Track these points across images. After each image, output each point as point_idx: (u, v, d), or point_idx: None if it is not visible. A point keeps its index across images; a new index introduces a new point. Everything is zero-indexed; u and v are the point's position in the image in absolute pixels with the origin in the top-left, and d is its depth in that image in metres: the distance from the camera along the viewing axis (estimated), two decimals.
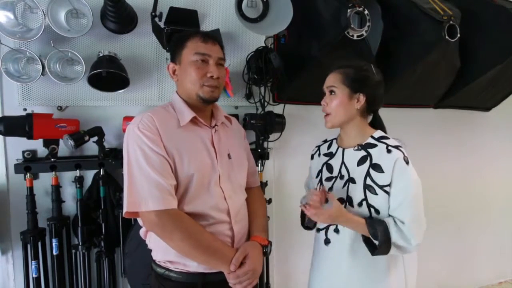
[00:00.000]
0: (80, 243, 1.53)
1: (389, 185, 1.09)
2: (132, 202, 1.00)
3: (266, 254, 1.15)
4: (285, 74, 1.73)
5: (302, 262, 2.06)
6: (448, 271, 2.68)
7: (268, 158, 1.90)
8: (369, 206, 1.12)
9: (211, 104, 1.17)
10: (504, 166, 2.85)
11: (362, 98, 1.14)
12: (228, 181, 1.13)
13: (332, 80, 1.18)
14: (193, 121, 1.11)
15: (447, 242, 2.60)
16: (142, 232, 1.16)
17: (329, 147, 1.30)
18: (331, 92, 1.17)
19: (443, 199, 2.53)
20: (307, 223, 1.32)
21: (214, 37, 1.14)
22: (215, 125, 1.17)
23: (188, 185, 1.05)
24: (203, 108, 1.15)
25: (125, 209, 1.01)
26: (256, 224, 1.21)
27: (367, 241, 1.12)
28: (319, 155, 1.33)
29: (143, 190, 0.99)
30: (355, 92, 1.14)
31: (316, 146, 1.37)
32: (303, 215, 1.33)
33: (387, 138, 1.16)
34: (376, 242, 1.08)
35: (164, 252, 1.08)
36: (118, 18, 1.49)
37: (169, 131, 1.06)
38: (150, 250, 1.15)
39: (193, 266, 1.06)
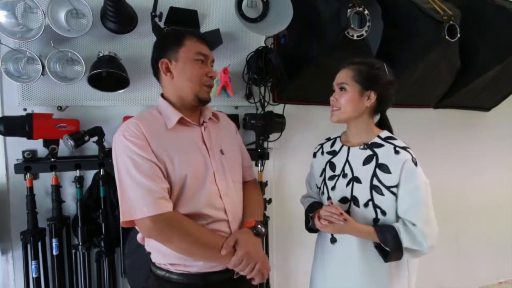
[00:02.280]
0: (80, 243, 1.53)
1: (396, 186, 1.08)
2: (127, 211, 0.98)
3: (258, 235, 1.11)
4: (285, 74, 1.73)
5: (302, 262, 2.06)
6: (448, 271, 2.68)
7: (268, 158, 1.89)
8: (375, 206, 1.11)
9: (203, 106, 1.17)
10: (504, 166, 2.85)
11: (373, 96, 1.13)
12: (223, 178, 1.12)
13: (343, 77, 1.16)
14: (181, 122, 1.09)
15: (447, 242, 2.59)
16: (139, 237, 1.15)
17: (332, 145, 1.29)
18: (342, 88, 1.16)
19: (443, 199, 2.51)
20: (311, 226, 1.30)
21: (206, 39, 1.15)
22: (203, 122, 1.16)
23: (183, 186, 1.04)
24: (194, 109, 1.15)
25: (121, 219, 1.00)
26: (248, 211, 1.17)
27: (378, 247, 1.11)
28: (322, 153, 1.31)
29: (136, 198, 0.97)
30: (366, 89, 1.13)
31: (319, 144, 1.35)
32: (307, 218, 1.32)
33: (394, 138, 1.15)
34: (388, 249, 1.07)
35: (165, 255, 1.06)
36: (118, 18, 1.49)
37: (156, 135, 1.04)
38: (149, 253, 1.13)
39: (194, 267, 1.05)
